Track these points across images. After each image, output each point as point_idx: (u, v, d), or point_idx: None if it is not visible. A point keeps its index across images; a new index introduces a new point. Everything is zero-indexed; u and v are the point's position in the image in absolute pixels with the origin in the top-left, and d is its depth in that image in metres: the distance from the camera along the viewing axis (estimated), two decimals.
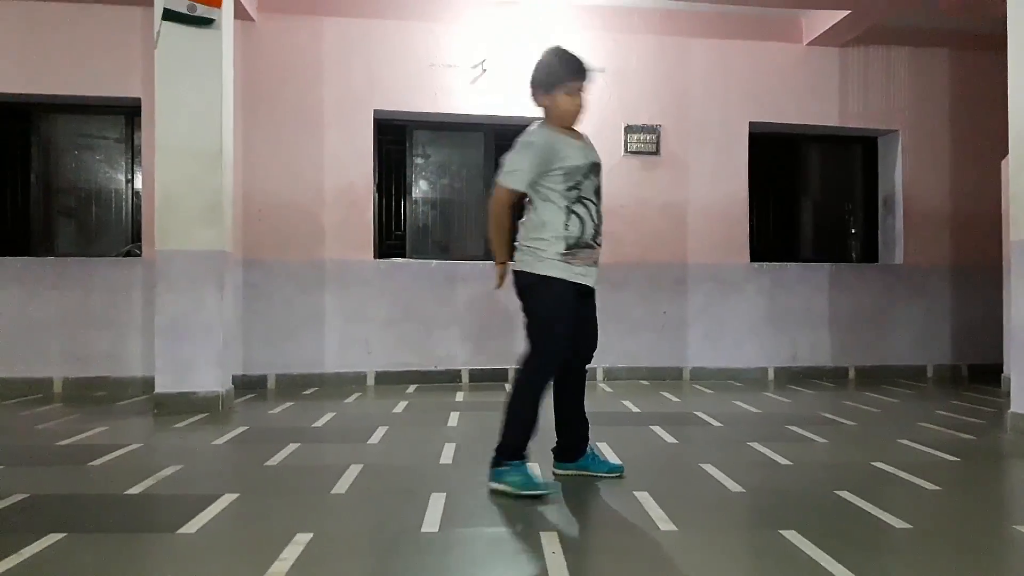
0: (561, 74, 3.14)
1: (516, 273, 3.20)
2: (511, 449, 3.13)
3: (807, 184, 7.72)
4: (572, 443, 3.39)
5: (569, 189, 3.09)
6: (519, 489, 3.07)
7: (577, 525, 2.79)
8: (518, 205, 3.20)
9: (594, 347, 3.35)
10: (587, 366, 3.39)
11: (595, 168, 3.20)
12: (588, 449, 3.43)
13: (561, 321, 3.12)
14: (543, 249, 3.10)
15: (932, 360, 7.40)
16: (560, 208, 3.09)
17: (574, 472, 3.39)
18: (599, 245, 3.20)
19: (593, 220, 3.14)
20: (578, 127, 3.28)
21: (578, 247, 3.11)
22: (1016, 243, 4.53)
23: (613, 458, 3.68)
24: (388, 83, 6.65)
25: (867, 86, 7.31)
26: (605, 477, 3.38)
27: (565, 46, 3.23)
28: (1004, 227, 5.94)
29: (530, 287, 3.15)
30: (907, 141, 7.39)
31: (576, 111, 3.18)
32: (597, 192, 3.20)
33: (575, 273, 3.12)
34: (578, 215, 3.10)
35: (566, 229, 3.09)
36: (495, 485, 3.13)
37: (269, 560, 2.35)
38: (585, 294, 3.22)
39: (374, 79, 6.62)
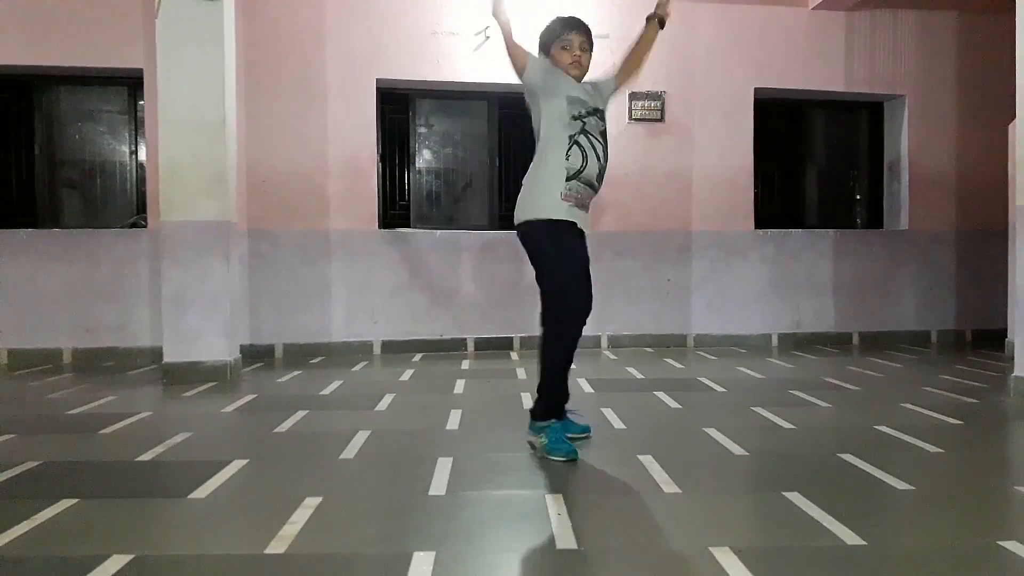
0: (554, 31, 3.25)
1: (517, 226, 3.24)
2: (543, 410, 3.22)
3: (812, 150, 7.67)
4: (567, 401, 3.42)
5: (573, 119, 3.12)
6: (548, 453, 3.15)
7: (582, 488, 2.83)
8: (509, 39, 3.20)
9: (590, 299, 3.21)
10: (583, 326, 3.25)
11: (599, 112, 3.22)
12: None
13: (567, 260, 3.13)
14: (538, 186, 3.15)
15: (936, 325, 7.41)
16: (562, 139, 3.12)
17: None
18: (596, 190, 3.21)
19: (598, 159, 3.16)
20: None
21: (577, 181, 3.12)
22: (1021, 208, 4.52)
23: (586, 421, 3.64)
24: (391, 52, 6.61)
25: (873, 50, 7.24)
26: (578, 438, 3.40)
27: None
28: (1010, 192, 5.92)
29: (529, 234, 3.19)
30: (913, 106, 7.34)
31: (571, 62, 3.21)
32: (603, 135, 3.22)
33: (566, 210, 3.13)
34: (580, 147, 3.12)
35: (567, 160, 3.11)
36: (529, 437, 3.26)
37: (279, 523, 2.39)
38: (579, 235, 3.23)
39: (376, 47, 6.58)
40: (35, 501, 2.62)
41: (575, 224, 3.16)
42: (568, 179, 3.11)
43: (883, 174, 7.67)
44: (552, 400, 3.23)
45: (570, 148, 3.11)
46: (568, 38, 3.21)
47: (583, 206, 3.19)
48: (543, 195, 3.14)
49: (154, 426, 3.87)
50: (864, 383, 5.06)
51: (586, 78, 3.31)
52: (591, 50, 3.27)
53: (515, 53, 3.18)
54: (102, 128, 6.64)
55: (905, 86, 7.32)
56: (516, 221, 3.25)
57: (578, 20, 3.27)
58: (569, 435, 3.35)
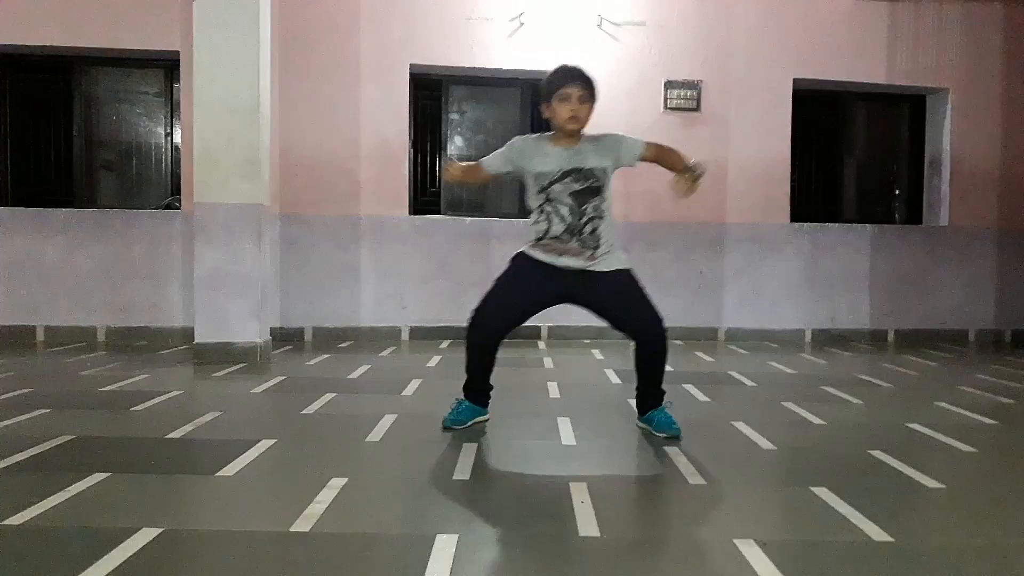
0: (553, 83, 3.28)
1: None
2: (464, 385, 3.56)
3: (851, 143, 7.55)
4: (638, 401, 3.54)
5: (540, 191, 3.30)
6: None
7: (606, 476, 2.82)
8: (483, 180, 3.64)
9: (631, 326, 3.39)
10: (647, 342, 3.43)
11: (573, 173, 3.26)
12: (656, 411, 3.45)
13: (499, 285, 3.42)
14: (529, 238, 3.41)
15: (974, 324, 7.27)
16: (535, 207, 3.34)
17: (641, 425, 3.51)
18: (575, 243, 3.29)
19: (562, 219, 3.28)
20: (585, 131, 3.32)
21: (545, 240, 3.32)
22: None
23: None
24: (424, 37, 6.60)
25: (917, 42, 7.09)
26: (658, 436, 3.36)
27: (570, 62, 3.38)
28: None
29: None
30: (957, 99, 7.19)
31: (566, 116, 3.23)
32: (576, 195, 3.26)
33: (541, 253, 3.33)
34: (545, 214, 3.30)
35: (535, 224, 3.34)
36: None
37: (305, 503, 2.42)
38: (579, 276, 3.30)
39: (410, 33, 6.58)
40: (68, 474, 2.66)
41: (536, 259, 3.34)
42: (539, 240, 3.34)
43: (923, 169, 7.53)
44: (467, 378, 3.54)
45: (538, 216, 3.33)
46: (567, 91, 3.23)
47: (561, 253, 3.30)
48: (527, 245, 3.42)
49: (185, 404, 3.92)
50: (898, 380, 4.98)
51: (615, 132, 3.42)
52: (592, 100, 3.28)
53: (473, 175, 3.54)
54: (139, 110, 6.72)
55: (948, 79, 7.17)
56: None
57: (578, 71, 3.26)
58: (657, 432, 3.37)
